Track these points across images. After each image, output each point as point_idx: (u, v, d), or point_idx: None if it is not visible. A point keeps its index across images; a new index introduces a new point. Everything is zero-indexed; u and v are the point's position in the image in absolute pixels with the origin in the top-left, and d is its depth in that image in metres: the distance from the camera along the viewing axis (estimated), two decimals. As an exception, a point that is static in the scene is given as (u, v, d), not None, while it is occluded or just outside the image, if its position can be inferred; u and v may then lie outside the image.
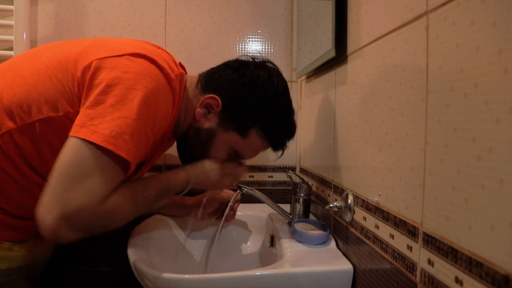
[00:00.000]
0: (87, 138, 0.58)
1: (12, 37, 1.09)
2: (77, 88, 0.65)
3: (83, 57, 0.67)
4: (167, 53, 0.77)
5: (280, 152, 0.86)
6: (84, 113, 0.61)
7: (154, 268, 0.67)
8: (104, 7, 1.18)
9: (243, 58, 0.84)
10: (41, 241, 0.80)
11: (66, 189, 0.57)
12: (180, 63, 0.81)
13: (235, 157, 0.83)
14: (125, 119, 0.61)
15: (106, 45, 0.69)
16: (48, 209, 0.57)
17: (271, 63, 0.84)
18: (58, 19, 1.17)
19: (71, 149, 0.59)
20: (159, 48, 0.77)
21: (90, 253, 1.18)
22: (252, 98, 0.78)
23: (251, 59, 0.83)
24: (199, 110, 0.78)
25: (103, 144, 0.58)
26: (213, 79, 0.80)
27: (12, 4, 1.09)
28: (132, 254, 0.73)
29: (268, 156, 1.24)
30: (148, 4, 1.19)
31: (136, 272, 0.70)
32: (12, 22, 1.09)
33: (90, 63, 0.65)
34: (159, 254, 0.85)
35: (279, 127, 0.82)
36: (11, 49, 1.09)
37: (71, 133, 0.60)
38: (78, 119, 0.61)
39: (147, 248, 0.80)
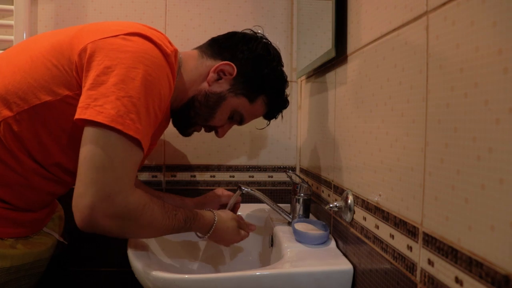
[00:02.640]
0: (94, 119, 0.59)
1: (12, 37, 1.09)
2: (75, 71, 0.66)
3: (78, 40, 0.67)
4: (161, 33, 0.77)
5: (268, 122, 0.98)
6: (86, 94, 0.61)
7: (154, 268, 0.67)
8: (104, 7, 1.18)
9: (247, 31, 0.91)
10: (43, 238, 0.81)
11: (94, 177, 0.59)
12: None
13: (233, 120, 0.90)
14: (130, 98, 0.61)
15: (100, 28, 0.69)
16: (82, 195, 0.59)
17: (267, 40, 0.92)
18: (58, 19, 1.17)
19: (87, 138, 0.60)
20: (152, 28, 0.77)
21: (90, 253, 1.18)
22: (266, 69, 0.86)
23: (256, 35, 0.90)
24: (212, 75, 0.83)
25: (111, 124, 0.59)
26: (224, 48, 0.85)
27: (12, 4, 1.09)
28: (132, 254, 0.73)
29: (269, 156, 1.24)
30: (148, 4, 1.19)
31: (136, 272, 0.70)
32: (12, 22, 1.09)
33: (86, 46, 0.65)
34: (159, 254, 0.85)
35: (280, 98, 0.92)
36: (11, 49, 1.09)
37: (77, 115, 0.60)
38: (82, 101, 0.61)
39: (147, 248, 0.80)
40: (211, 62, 0.84)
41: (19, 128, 0.67)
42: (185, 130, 0.90)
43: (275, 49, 0.91)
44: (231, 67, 0.83)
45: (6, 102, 0.66)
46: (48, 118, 0.67)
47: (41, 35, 0.77)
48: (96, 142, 0.60)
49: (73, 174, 0.78)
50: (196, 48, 0.88)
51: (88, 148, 0.60)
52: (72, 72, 0.66)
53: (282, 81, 0.91)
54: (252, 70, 0.85)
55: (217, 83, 0.84)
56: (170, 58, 0.70)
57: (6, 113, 0.66)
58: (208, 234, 0.80)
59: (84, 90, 0.62)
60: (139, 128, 0.62)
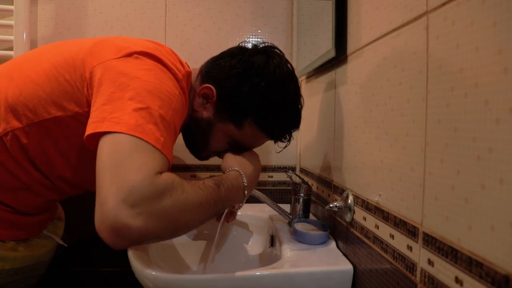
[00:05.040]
0: (111, 130, 0.54)
1: (12, 37, 1.09)
2: (86, 88, 0.64)
3: (92, 57, 0.66)
4: (172, 52, 0.76)
5: (283, 144, 0.83)
6: (101, 109, 0.57)
7: (154, 268, 0.67)
8: (104, 7, 1.18)
9: (245, 44, 0.80)
10: (44, 241, 0.81)
11: (114, 176, 0.51)
12: (186, 63, 0.80)
13: (236, 147, 0.81)
14: (148, 110, 0.57)
15: (113, 45, 0.68)
16: (104, 201, 0.50)
17: (276, 48, 0.79)
18: (58, 19, 1.17)
19: (103, 146, 0.54)
20: (163, 46, 0.76)
21: (90, 253, 1.18)
22: (244, 88, 0.74)
23: (252, 45, 0.79)
24: (198, 100, 0.78)
25: (130, 133, 0.54)
26: (212, 68, 0.78)
27: (12, 4, 1.09)
28: (132, 254, 0.73)
29: (269, 156, 1.24)
30: (148, 4, 1.19)
31: (136, 272, 0.70)
32: (12, 22, 1.09)
33: (99, 64, 0.64)
34: (159, 254, 0.85)
35: (276, 118, 0.77)
36: (11, 49, 1.09)
37: (90, 130, 0.56)
38: (95, 116, 0.57)
39: (147, 248, 0.80)
40: (200, 85, 0.78)
41: (27, 140, 0.66)
42: (196, 155, 0.87)
43: (271, 56, 0.76)
44: (210, 90, 0.76)
45: (16, 113, 0.66)
46: (56, 133, 0.67)
47: (52, 45, 0.76)
48: (113, 145, 0.54)
49: (77, 187, 0.78)
50: (202, 65, 0.83)
51: (105, 153, 0.54)
52: (83, 89, 0.65)
53: (273, 100, 0.75)
54: (231, 91, 0.75)
55: (204, 108, 0.78)
56: (181, 83, 0.68)
57: (15, 124, 0.66)
58: (245, 184, 0.71)
59: (97, 105, 0.59)
60: (160, 138, 0.57)
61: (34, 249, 0.76)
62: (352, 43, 0.73)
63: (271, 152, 1.24)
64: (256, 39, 1.22)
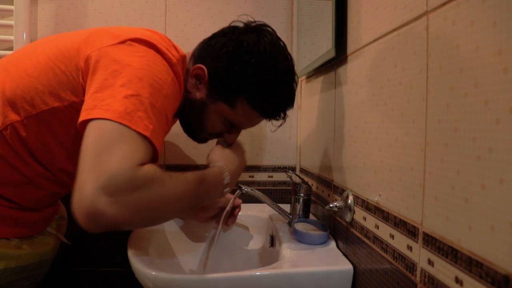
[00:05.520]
0: (101, 117, 0.55)
1: (12, 37, 1.09)
2: (82, 77, 0.65)
3: (86, 46, 0.67)
4: (167, 38, 0.76)
5: (278, 123, 0.83)
6: (93, 97, 0.58)
7: (154, 268, 0.67)
8: (104, 7, 1.18)
9: (237, 23, 0.79)
10: (47, 238, 0.81)
11: (96, 162, 0.52)
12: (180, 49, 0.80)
13: (231, 127, 0.81)
14: (138, 97, 0.58)
15: (107, 33, 0.69)
16: (83, 185, 0.51)
17: (267, 26, 0.79)
18: (58, 19, 1.17)
19: (90, 131, 0.55)
20: (158, 33, 0.76)
21: (90, 253, 1.18)
22: (235, 66, 0.73)
23: (243, 24, 0.78)
24: (190, 81, 0.78)
25: (118, 120, 0.55)
26: (203, 49, 0.79)
27: (12, 4, 1.09)
28: (132, 254, 0.73)
29: (269, 156, 1.24)
30: (148, 4, 1.19)
31: (136, 272, 0.70)
32: (12, 22, 1.09)
33: (92, 53, 0.64)
34: (159, 254, 0.85)
35: (268, 96, 0.76)
36: (11, 49, 1.09)
37: (82, 117, 0.57)
38: (87, 103, 0.58)
39: (147, 248, 0.80)
40: (192, 66, 0.78)
41: (26, 133, 0.67)
42: (193, 138, 0.88)
43: (262, 34, 0.75)
44: (202, 70, 0.76)
45: (14, 106, 0.66)
46: (55, 124, 0.68)
47: (48, 38, 0.77)
48: (99, 131, 0.55)
49: None
50: (195, 48, 0.83)
51: (90, 138, 0.55)
52: (78, 78, 0.66)
53: (264, 77, 0.74)
54: (222, 71, 0.74)
55: (196, 89, 0.78)
56: (175, 67, 0.69)
57: (14, 117, 0.66)
58: (226, 183, 0.72)
59: (90, 93, 0.60)
60: (149, 126, 0.57)
61: (37, 247, 0.77)
62: (352, 43, 0.73)
63: (271, 152, 1.24)
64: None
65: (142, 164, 0.55)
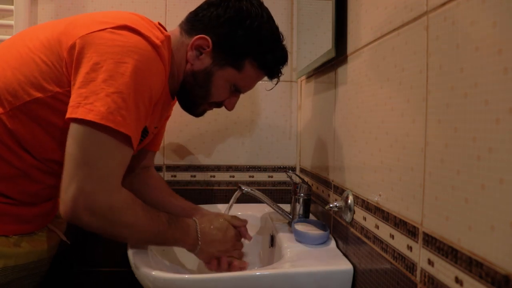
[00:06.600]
0: (84, 117, 0.59)
1: (12, 37, 1.09)
2: (65, 68, 0.66)
3: (66, 36, 0.67)
4: (150, 21, 0.77)
5: (276, 80, 0.89)
6: (77, 93, 0.62)
7: (154, 268, 0.67)
8: (104, 7, 1.18)
9: None
10: (47, 235, 0.81)
11: (78, 174, 0.61)
12: (159, 23, 0.81)
13: (234, 91, 0.85)
14: (120, 94, 0.61)
15: (87, 20, 0.69)
16: (66, 190, 0.61)
17: None
18: (58, 19, 1.17)
19: (74, 134, 0.61)
20: (140, 16, 0.76)
21: (90, 253, 1.18)
22: (240, 31, 0.78)
23: None
24: (191, 54, 0.79)
25: (102, 122, 0.59)
26: (197, 20, 0.80)
27: (12, 4, 1.09)
28: (132, 254, 0.73)
29: (269, 156, 1.24)
30: (148, 4, 1.19)
31: (136, 272, 0.70)
32: (12, 22, 1.09)
33: (75, 42, 0.65)
34: (159, 254, 0.85)
35: (271, 54, 0.82)
36: (11, 49, 1.09)
37: (68, 115, 0.61)
38: (73, 100, 0.62)
39: (147, 248, 0.80)
40: (188, 39, 0.79)
41: (13, 125, 0.67)
42: (193, 111, 0.88)
43: (254, 4, 0.80)
44: (205, 40, 0.78)
45: None
46: (40, 114, 0.68)
47: (29, 30, 0.77)
48: (83, 139, 0.61)
49: None
50: (179, 25, 0.84)
51: (74, 145, 0.61)
52: (62, 69, 0.66)
53: (266, 38, 0.80)
54: (227, 37, 0.78)
55: (198, 60, 0.79)
56: (160, 49, 0.69)
57: None
58: (199, 240, 0.76)
59: (74, 88, 0.63)
60: (131, 124, 0.62)
61: (37, 244, 0.76)
62: (352, 43, 0.73)
63: (271, 152, 1.24)
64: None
65: (125, 165, 0.66)
